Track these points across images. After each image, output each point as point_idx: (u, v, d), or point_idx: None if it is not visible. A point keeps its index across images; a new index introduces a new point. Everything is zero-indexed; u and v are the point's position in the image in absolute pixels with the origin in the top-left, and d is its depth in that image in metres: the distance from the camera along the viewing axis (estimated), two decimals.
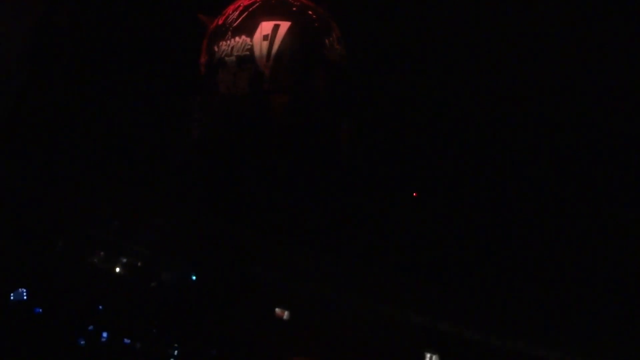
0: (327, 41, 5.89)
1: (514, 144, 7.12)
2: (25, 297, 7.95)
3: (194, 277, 8.58)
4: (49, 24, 7.47)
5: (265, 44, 5.61)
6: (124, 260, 8.87)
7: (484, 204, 7.52)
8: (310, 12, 5.87)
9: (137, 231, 8.95)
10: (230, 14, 5.82)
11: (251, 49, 5.58)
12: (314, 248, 8.30)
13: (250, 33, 5.62)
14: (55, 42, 7.69)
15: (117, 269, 8.85)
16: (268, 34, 5.64)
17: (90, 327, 8.02)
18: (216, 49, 5.69)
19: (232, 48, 5.61)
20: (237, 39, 5.63)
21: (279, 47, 5.63)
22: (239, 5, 5.86)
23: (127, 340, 7.90)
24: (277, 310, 8.78)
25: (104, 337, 7.90)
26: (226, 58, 5.60)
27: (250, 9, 5.79)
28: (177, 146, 6.78)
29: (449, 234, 7.91)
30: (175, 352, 7.92)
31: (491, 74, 6.87)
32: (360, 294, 8.71)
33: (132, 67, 8.02)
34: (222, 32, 5.73)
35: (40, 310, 8.00)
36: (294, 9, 5.83)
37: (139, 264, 8.90)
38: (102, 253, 8.92)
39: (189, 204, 8.04)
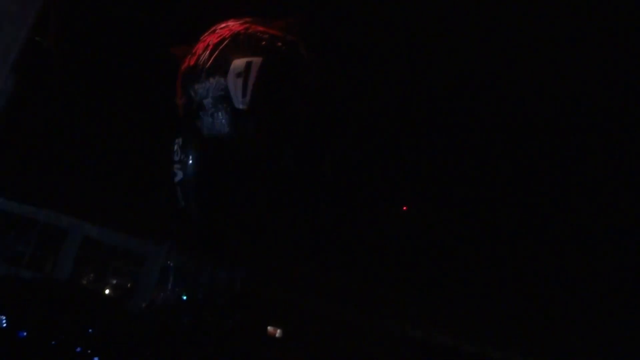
0: (298, 70, 5.96)
1: (496, 155, 7.24)
2: (4, 325, 7.91)
3: (184, 297, 8.63)
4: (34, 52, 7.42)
5: (240, 81, 5.66)
6: (114, 281, 8.90)
7: (476, 218, 7.67)
8: (279, 44, 5.90)
9: (128, 253, 8.96)
10: (201, 54, 5.84)
11: (226, 89, 5.63)
12: (307, 265, 8.40)
13: (224, 72, 5.67)
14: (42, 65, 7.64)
15: (107, 291, 8.88)
16: (241, 71, 5.69)
17: (79, 349, 8.02)
18: (192, 92, 5.72)
19: (208, 90, 5.66)
20: (211, 80, 5.67)
21: (254, 83, 5.69)
22: (209, 44, 5.88)
23: None
24: (270, 328, 8.89)
25: None
26: (204, 101, 5.65)
27: (221, 47, 5.81)
28: (166, 172, 6.79)
29: (445, 248, 8.05)
30: None
31: (469, 89, 6.99)
32: (356, 308, 8.85)
33: (121, 82, 7.99)
34: (196, 74, 5.76)
35: (25, 334, 7.98)
36: (264, 42, 5.85)
37: (129, 285, 8.93)
38: (92, 275, 8.94)
39: (180, 224, 8.06)
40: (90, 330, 8.45)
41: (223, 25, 6.04)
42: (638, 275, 7.43)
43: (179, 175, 5.99)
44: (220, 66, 5.72)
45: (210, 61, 5.77)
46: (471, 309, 8.46)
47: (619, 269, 7.40)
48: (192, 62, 5.89)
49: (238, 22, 6.05)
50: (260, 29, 5.97)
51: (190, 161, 5.94)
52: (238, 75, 5.69)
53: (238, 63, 5.72)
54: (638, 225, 7.16)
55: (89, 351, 7.92)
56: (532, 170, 7.32)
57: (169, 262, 8.91)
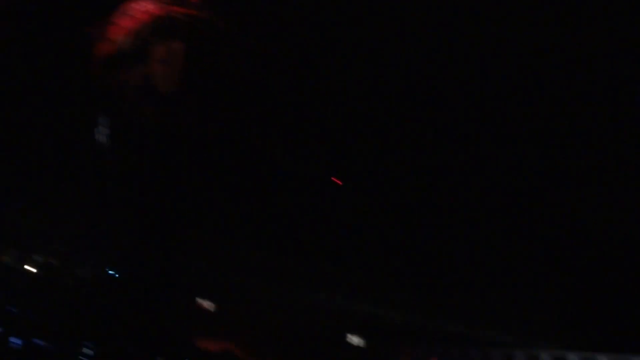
0: (221, 51, 5.88)
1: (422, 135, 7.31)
2: None
3: (112, 272, 8.51)
4: None
5: (164, 68, 5.55)
6: (40, 259, 8.68)
7: (399, 190, 7.80)
8: (200, 25, 5.79)
9: (52, 228, 8.74)
10: (119, 40, 5.65)
11: (150, 77, 5.51)
12: (235, 239, 8.40)
13: (145, 60, 5.54)
14: None
15: (31, 268, 8.67)
16: (163, 58, 5.57)
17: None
18: (112, 80, 5.57)
19: (131, 78, 5.52)
20: (133, 68, 5.53)
21: (179, 69, 5.59)
22: (124, 28, 5.68)
23: (40, 342, 7.77)
24: (199, 300, 8.89)
25: (16, 343, 7.74)
26: (126, 90, 5.51)
27: (140, 33, 5.65)
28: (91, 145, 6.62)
29: (370, 220, 8.19)
30: (92, 352, 7.81)
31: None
32: (282, 280, 8.96)
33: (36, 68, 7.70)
34: (116, 61, 5.59)
35: None
36: (184, 25, 5.73)
37: (54, 262, 8.74)
38: (14, 252, 8.70)
39: (106, 197, 7.91)
40: (12, 310, 8.27)
41: (137, 6, 5.83)
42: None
43: (106, 163, 5.88)
44: (141, 53, 5.58)
45: (131, 48, 5.61)
46: (398, 277, 8.69)
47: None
48: (109, 49, 5.70)
49: (153, 3, 5.87)
50: (179, 9, 5.83)
51: (117, 149, 5.83)
52: (161, 62, 5.57)
53: (161, 49, 5.60)
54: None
55: (10, 331, 7.76)
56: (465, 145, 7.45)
57: (99, 239, 8.75)
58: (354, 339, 9.66)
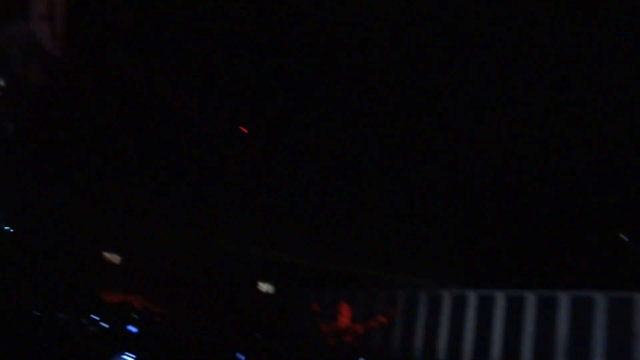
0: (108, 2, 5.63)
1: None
2: None
3: (7, 228, 8.21)
4: None
5: (47, 25, 5.26)
6: None
7: (303, 139, 7.74)
8: None
9: None
10: None
11: (34, 35, 5.23)
12: (144, 189, 8.20)
13: (25, 16, 5.23)
14: None
15: None
16: (45, 12, 5.28)
17: None
18: None
19: (11, 37, 5.22)
20: (13, 26, 5.22)
21: (63, 23, 5.31)
22: None
23: None
24: (107, 254, 8.70)
25: None
26: (8, 50, 5.21)
27: None
28: None
29: (278, 169, 8.13)
30: None
31: None
32: (190, 230, 8.86)
33: None
34: None
35: None
36: None
37: None
38: None
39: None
40: None
41: None
42: None
43: (10, 126, 5.62)
44: (18, 8, 5.26)
45: (5, 3, 5.28)
46: (305, 224, 8.72)
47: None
48: None
49: None
50: None
51: (8, 107, 5.57)
52: (43, 17, 5.28)
53: (40, 3, 5.29)
54: None
55: None
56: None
57: None
58: (264, 286, 9.73)
